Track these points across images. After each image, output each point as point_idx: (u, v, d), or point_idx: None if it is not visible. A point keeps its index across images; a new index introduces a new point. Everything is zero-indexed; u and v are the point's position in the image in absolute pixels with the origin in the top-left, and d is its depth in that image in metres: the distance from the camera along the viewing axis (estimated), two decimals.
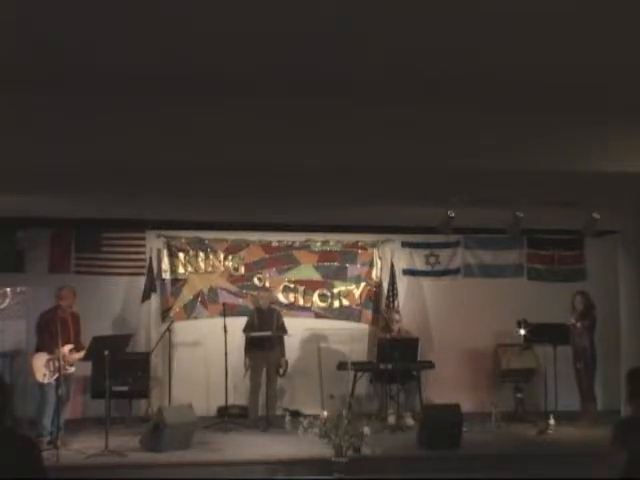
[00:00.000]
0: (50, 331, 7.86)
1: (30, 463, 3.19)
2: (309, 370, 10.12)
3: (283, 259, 10.63)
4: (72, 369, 7.88)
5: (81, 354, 7.97)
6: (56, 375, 7.78)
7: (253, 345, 9.37)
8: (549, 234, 10.88)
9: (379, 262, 10.76)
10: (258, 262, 10.57)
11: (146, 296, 10.03)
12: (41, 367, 7.82)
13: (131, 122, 5.76)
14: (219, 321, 9.59)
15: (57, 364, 7.74)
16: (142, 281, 10.06)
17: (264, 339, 9.28)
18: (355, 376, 9.66)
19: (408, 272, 10.87)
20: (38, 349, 7.97)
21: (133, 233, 10.24)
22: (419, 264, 10.93)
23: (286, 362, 9.56)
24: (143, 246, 10.28)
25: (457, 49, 4.87)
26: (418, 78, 5.43)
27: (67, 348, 7.89)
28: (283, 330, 9.58)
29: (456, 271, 10.99)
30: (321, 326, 10.56)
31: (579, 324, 9.52)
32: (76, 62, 5.09)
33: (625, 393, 4.43)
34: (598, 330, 9.74)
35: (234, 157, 5.97)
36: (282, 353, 9.53)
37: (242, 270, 10.54)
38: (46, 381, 7.83)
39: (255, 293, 10.30)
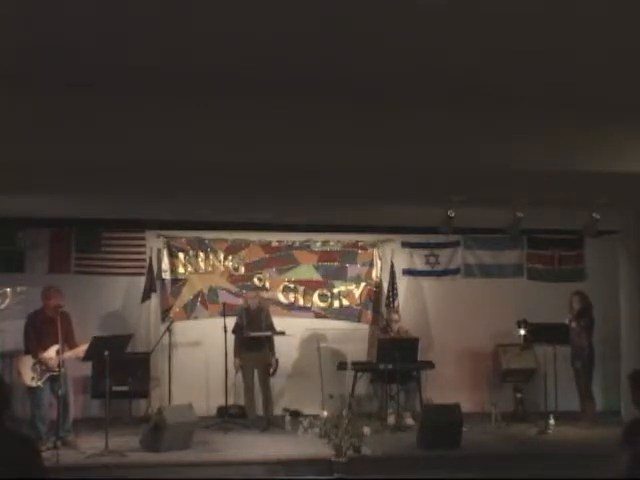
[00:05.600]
0: (36, 333, 7.84)
1: (30, 463, 3.18)
2: (309, 370, 10.11)
3: (283, 259, 10.63)
4: (60, 370, 7.79)
5: (74, 352, 7.92)
6: (45, 377, 7.75)
7: (243, 346, 9.30)
8: (549, 234, 10.88)
9: (379, 262, 10.76)
10: (258, 262, 10.57)
11: (146, 296, 10.02)
12: (28, 370, 7.75)
13: (131, 122, 5.76)
14: (219, 321, 9.58)
15: (44, 366, 7.72)
16: (142, 281, 10.05)
17: (252, 339, 9.24)
18: (355, 376, 9.67)
19: (408, 272, 10.88)
20: (25, 352, 7.91)
21: (133, 233, 10.25)
22: (419, 264, 10.93)
23: (276, 361, 9.46)
24: (143, 246, 10.28)
25: (456, 49, 4.87)
26: (418, 78, 5.44)
27: (54, 349, 7.76)
28: (272, 329, 9.50)
29: (456, 271, 10.99)
30: (321, 326, 10.55)
31: (576, 324, 9.51)
32: (76, 62, 5.09)
33: (631, 395, 4.42)
34: (598, 330, 9.73)
35: (234, 157, 5.97)
36: (272, 352, 9.45)
37: (242, 270, 10.54)
38: (35, 384, 7.75)
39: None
